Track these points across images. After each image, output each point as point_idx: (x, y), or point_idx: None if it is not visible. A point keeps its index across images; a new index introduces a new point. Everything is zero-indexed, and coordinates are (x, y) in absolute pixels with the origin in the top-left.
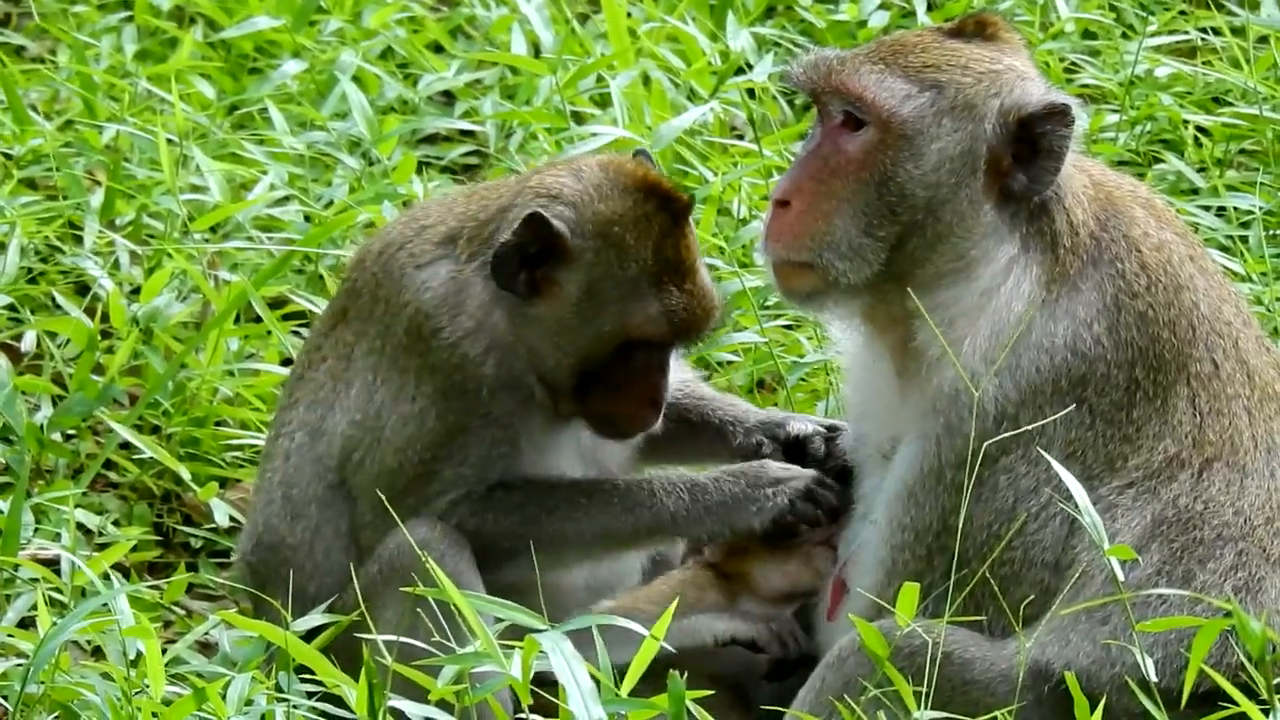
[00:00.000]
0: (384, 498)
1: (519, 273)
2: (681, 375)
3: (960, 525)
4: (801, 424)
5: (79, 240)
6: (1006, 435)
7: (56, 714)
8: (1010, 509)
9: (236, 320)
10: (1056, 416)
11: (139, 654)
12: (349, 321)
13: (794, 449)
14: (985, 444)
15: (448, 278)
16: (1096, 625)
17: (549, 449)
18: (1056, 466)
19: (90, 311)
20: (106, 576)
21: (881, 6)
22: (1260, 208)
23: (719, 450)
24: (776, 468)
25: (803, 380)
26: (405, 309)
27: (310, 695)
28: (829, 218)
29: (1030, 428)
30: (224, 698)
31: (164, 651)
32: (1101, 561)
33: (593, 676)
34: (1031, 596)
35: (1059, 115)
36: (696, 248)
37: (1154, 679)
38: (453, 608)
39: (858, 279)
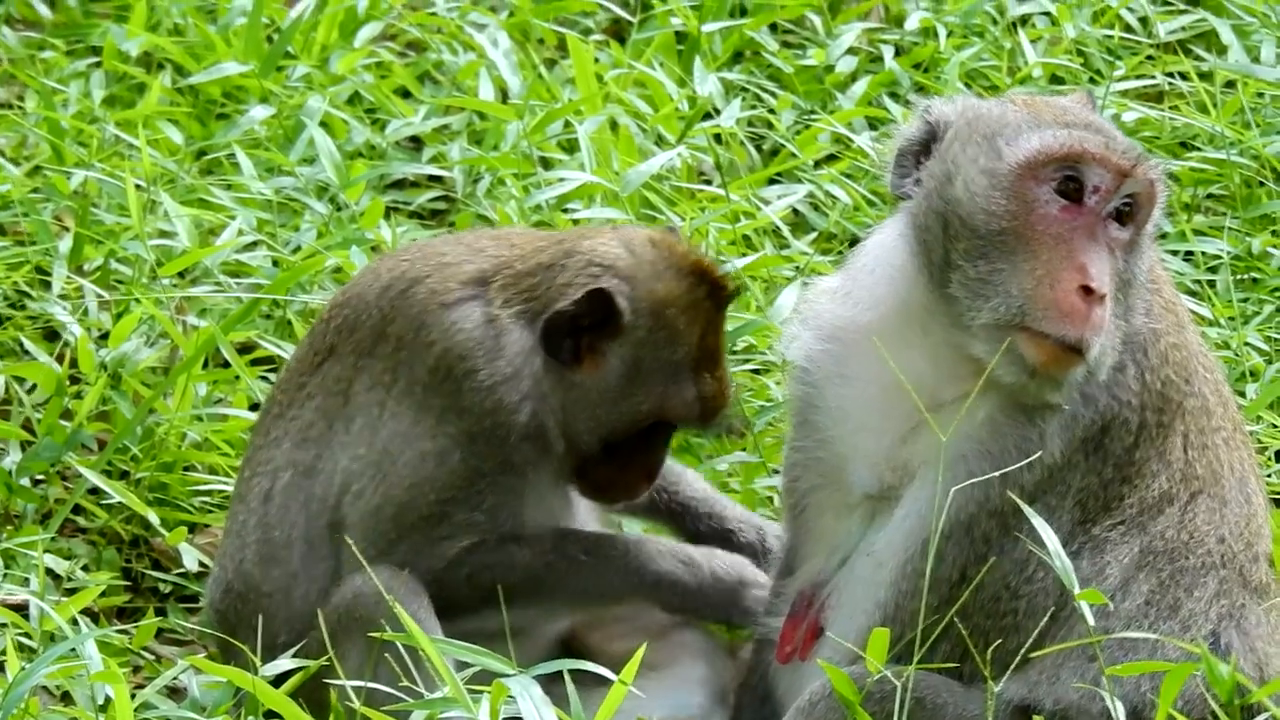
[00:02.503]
0: (387, 531)
1: (565, 339)
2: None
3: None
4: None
5: (47, 286)
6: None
7: None
8: (1026, 559)
9: (205, 365)
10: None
11: (108, 699)
12: (341, 357)
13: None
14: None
15: (483, 320)
16: (1085, 662)
17: (558, 499)
18: (1027, 510)
19: (59, 357)
20: (75, 621)
21: (849, 52)
22: (1228, 252)
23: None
24: (754, 570)
25: (770, 425)
26: (431, 348)
27: None
28: (1110, 312)
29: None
30: None
31: (133, 696)
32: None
33: None
34: (1027, 645)
35: None
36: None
37: None
38: (420, 653)
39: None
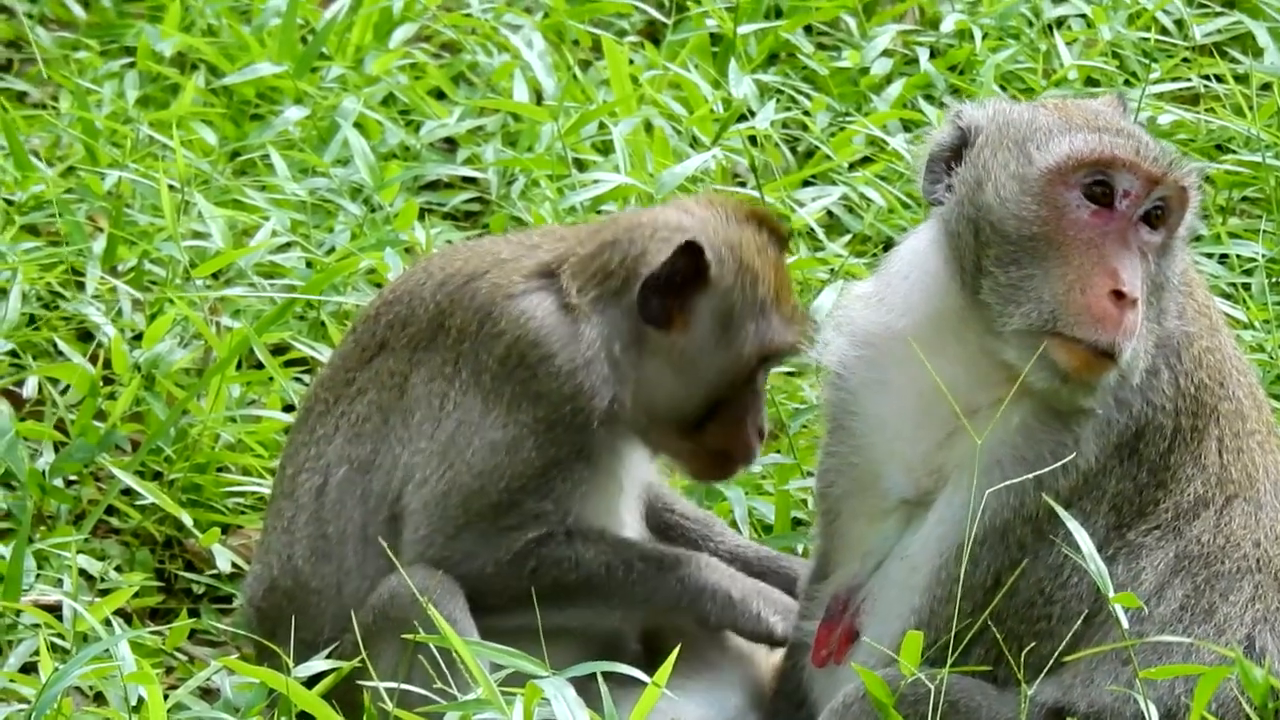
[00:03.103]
0: (455, 517)
1: (658, 302)
2: (661, 489)
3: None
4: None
5: (81, 286)
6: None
7: None
8: (1061, 564)
9: (238, 367)
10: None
11: (141, 700)
12: (394, 351)
13: None
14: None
15: (555, 308)
16: (1119, 666)
17: (617, 494)
18: (1062, 514)
19: (92, 358)
20: (108, 622)
21: (884, 54)
22: (1263, 255)
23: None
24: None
25: (804, 427)
26: (501, 337)
27: None
28: (1142, 316)
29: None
30: None
31: (166, 697)
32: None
33: None
34: (1060, 649)
35: None
36: None
37: None
38: (453, 654)
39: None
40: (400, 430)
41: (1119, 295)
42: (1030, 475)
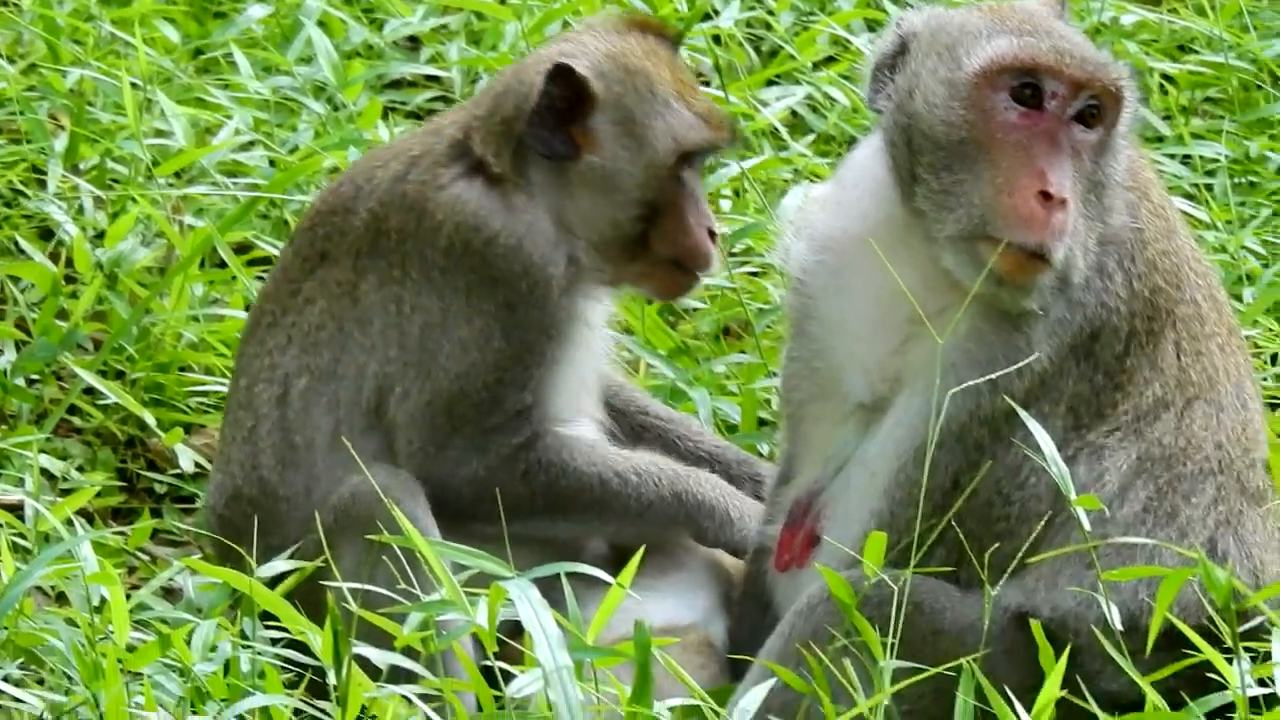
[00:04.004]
0: (441, 426)
1: (554, 136)
2: (633, 392)
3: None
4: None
5: (42, 185)
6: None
7: (20, 660)
8: (1019, 465)
9: (201, 265)
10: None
11: (103, 600)
12: (336, 260)
13: None
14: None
15: (484, 187)
16: (1082, 569)
17: (589, 370)
18: (1021, 413)
19: (54, 256)
20: (70, 522)
21: None
22: (1225, 156)
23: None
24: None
25: (769, 328)
26: (441, 228)
27: (275, 642)
28: (1077, 216)
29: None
30: (189, 644)
31: (128, 597)
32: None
33: (559, 624)
34: (1023, 550)
35: None
36: None
37: (1119, 626)
38: (417, 555)
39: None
40: (360, 338)
41: (1046, 196)
42: (985, 378)
